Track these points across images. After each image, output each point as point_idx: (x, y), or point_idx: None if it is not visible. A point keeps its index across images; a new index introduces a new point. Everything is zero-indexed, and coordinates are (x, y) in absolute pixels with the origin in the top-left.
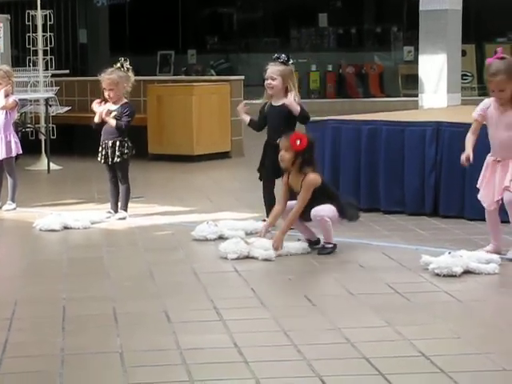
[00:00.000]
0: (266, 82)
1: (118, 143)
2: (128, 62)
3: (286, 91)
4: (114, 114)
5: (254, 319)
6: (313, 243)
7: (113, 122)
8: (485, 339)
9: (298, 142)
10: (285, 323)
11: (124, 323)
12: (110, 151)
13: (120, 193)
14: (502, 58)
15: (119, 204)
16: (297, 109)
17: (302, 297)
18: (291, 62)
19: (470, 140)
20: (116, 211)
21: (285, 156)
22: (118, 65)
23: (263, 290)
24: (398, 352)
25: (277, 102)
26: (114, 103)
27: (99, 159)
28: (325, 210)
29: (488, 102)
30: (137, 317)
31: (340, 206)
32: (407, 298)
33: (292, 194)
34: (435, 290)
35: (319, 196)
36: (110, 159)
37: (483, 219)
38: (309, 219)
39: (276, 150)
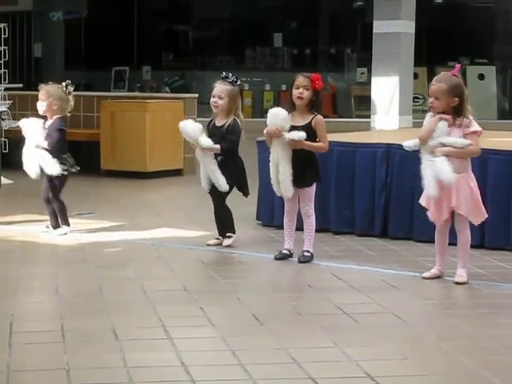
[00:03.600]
0: (211, 100)
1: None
2: (73, 88)
3: (228, 112)
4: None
5: (201, 338)
6: (287, 256)
7: (43, 144)
8: (431, 361)
9: (317, 83)
10: (232, 342)
11: (71, 340)
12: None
13: (56, 211)
14: (455, 76)
15: (59, 220)
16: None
17: (251, 316)
18: (239, 82)
19: None
20: (55, 227)
21: (305, 93)
22: (64, 84)
23: (212, 309)
24: (344, 373)
25: (219, 122)
26: (47, 117)
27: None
28: (311, 200)
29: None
30: (84, 334)
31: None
32: (355, 319)
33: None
34: (383, 311)
35: (310, 160)
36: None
37: (431, 241)
38: (302, 185)
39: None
